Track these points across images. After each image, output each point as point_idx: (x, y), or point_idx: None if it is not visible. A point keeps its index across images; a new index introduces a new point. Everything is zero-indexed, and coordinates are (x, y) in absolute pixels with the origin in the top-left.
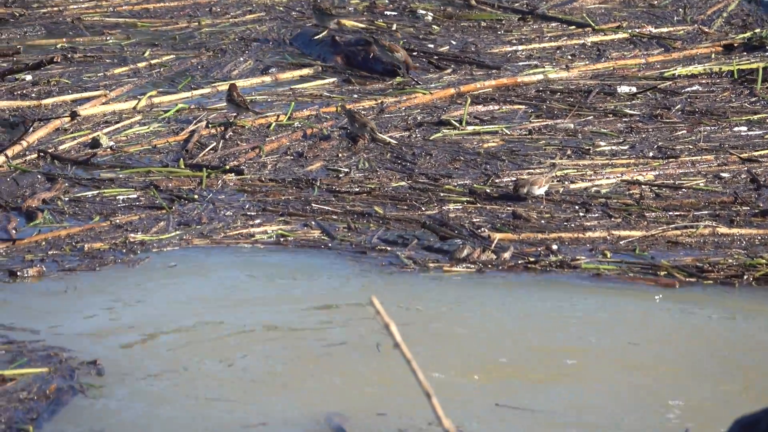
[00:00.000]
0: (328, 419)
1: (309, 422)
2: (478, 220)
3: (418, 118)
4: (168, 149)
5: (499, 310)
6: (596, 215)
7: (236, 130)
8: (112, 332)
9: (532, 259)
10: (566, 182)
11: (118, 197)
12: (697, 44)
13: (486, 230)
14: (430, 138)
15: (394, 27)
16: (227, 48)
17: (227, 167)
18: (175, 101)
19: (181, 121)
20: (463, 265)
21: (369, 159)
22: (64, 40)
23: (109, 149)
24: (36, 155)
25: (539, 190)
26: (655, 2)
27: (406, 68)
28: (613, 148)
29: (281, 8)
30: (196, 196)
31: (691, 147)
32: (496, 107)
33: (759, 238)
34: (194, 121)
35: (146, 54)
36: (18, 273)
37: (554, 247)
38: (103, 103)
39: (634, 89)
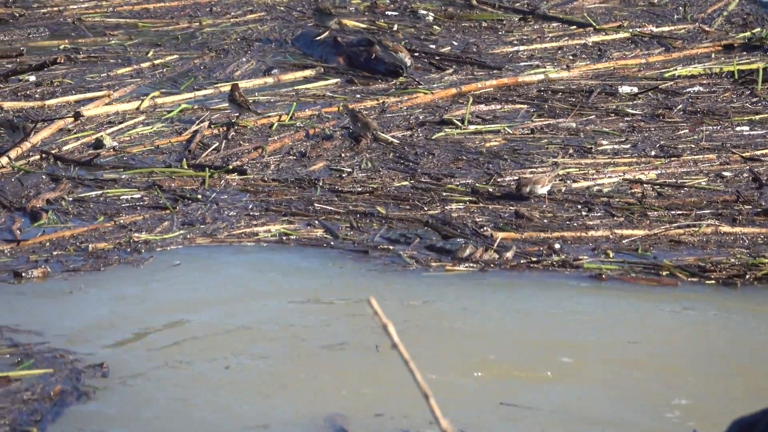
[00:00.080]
0: (329, 420)
1: (309, 423)
2: (480, 219)
3: (420, 118)
4: (171, 149)
5: (499, 310)
6: (599, 214)
7: (239, 131)
8: (116, 333)
9: (534, 259)
10: (568, 181)
11: (122, 197)
12: (697, 43)
13: (488, 229)
14: (433, 137)
15: (396, 27)
16: (229, 48)
17: (230, 167)
18: (178, 102)
19: (184, 122)
20: (466, 265)
21: (371, 159)
22: (67, 41)
23: (112, 150)
24: (39, 156)
25: (542, 190)
26: (655, 1)
27: (407, 67)
28: (616, 147)
29: (282, 8)
30: (199, 196)
31: (693, 146)
32: (498, 107)
33: (761, 237)
34: (197, 122)
35: (149, 54)
36: (23, 274)
37: (557, 246)
38: (107, 104)
39: (635, 89)
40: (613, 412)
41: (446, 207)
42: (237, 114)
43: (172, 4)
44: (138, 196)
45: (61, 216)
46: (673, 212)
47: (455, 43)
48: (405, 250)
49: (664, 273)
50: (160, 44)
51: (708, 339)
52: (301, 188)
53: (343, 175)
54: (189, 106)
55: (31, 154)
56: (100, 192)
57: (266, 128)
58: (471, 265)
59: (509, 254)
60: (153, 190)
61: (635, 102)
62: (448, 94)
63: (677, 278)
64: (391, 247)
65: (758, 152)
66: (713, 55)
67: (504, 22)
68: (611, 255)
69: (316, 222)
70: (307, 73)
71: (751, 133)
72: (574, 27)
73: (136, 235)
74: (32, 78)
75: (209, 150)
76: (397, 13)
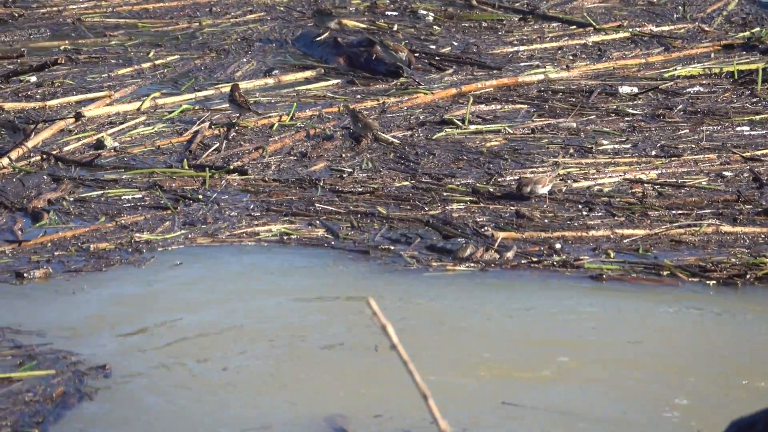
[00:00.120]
0: (329, 421)
1: (309, 423)
2: (481, 219)
3: (421, 118)
4: (172, 150)
5: (500, 310)
6: (599, 214)
7: (239, 131)
8: (118, 334)
9: (535, 259)
10: (569, 181)
11: (123, 198)
12: (697, 43)
13: (489, 229)
14: (433, 137)
15: (396, 27)
16: (230, 48)
17: (231, 167)
18: (179, 102)
19: (185, 122)
20: (466, 264)
21: (372, 159)
22: (67, 41)
23: (113, 150)
24: (40, 157)
25: (543, 189)
26: (655, 0)
27: (409, 66)
28: (616, 147)
29: (282, 8)
30: (200, 197)
31: (693, 146)
32: (498, 107)
33: (762, 236)
34: (198, 122)
35: (150, 54)
36: (25, 274)
37: (557, 246)
38: (108, 104)
39: (635, 89)
40: (613, 412)
41: (447, 207)
42: (238, 114)
43: (171, 4)
44: (139, 196)
45: (63, 216)
46: (673, 212)
47: (455, 44)
48: (406, 250)
49: (665, 273)
50: (160, 44)
51: (708, 339)
52: (301, 188)
53: (344, 176)
54: (190, 106)
55: (32, 154)
56: (101, 192)
57: (267, 129)
58: (472, 265)
59: (510, 254)
60: (154, 191)
61: (635, 102)
62: (449, 94)
63: (678, 278)
64: (392, 247)
65: (759, 152)
66: (713, 55)
67: (504, 22)
68: (612, 255)
69: (317, 222)
70: (308, 73)
71: (752, 133)
72: (574, 27)
73: (138, 235)
74: (33, 79)
75: (210, 150)
76: (397, 13)
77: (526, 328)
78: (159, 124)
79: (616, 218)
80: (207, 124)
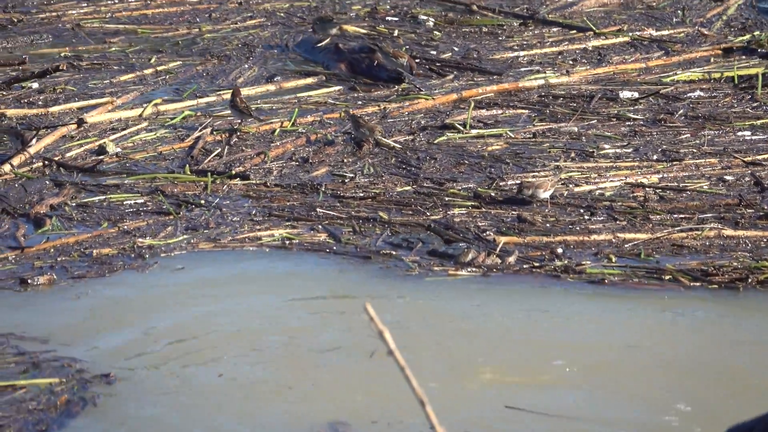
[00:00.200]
0: (331, 428)
1: (309, 430)
2: (483, 223)
3: (422, 123)
4: (173, 156)
5: (502, 314)
6: (601, 218)
7: (241, 137)
8: (122, 341)
9: (536, 264)
10: (571, 185)
11: (125, 203)
12: (696, 47)
13: (491, 234)
14: (434, 142)
15: (396, 33)
16: (231, 54)
17: (233, 172)
18: (181, 109)
19: (187, 128)
20: (468, 269)
21: (374, 164)
22: (68, 48)
23: (115, 156)
24: (42, 163)
25: (545, 194)
26: (654, 4)
27: (410, 72)
28: (617, 151)
29: (282, 14)
30: (202, 202)
31: (694, 151)
32: (500, 111)
33: (764, 240)
34: (199, 128)
35: (152, 61)
36: (29, 281)
37: (559, 250)
38: (110, 111)
39: (636, 94)
40: (616, 416)
41: (448, 212)
42: (239, 120)
43: (170, 9)
44: (141, 201)
45: (65, 222)
46: (675, 216)
47: (456, 49)
48: (407, 255)
49: (667, 277)
50: (161, 51)
51: (710, 343)
52: (303, 193)
53: (346, 181)
54: (192, 113)
55: (34, 161)
56: (104, 197)
57: (268, 134)
58: (473, 269)
59: (512, 259)
60: (156, 196)
61: (636, 107)
62: (449, 99)
63: (680, 282)
64: (394, 252)
65: (760, 157)
66: (712, 59)
67: (504, 27)
68: (613, 259)
69: (319, 227)
70: (309, 80)
71: (753, 137)
72: (574, 31)
73: (140, 240)
74: (35, 85)
75: (212, 156)
76: (397, 19)
77: (527, 333)
78: (161, 130)
79: (617, 222)
80: (209, 129)
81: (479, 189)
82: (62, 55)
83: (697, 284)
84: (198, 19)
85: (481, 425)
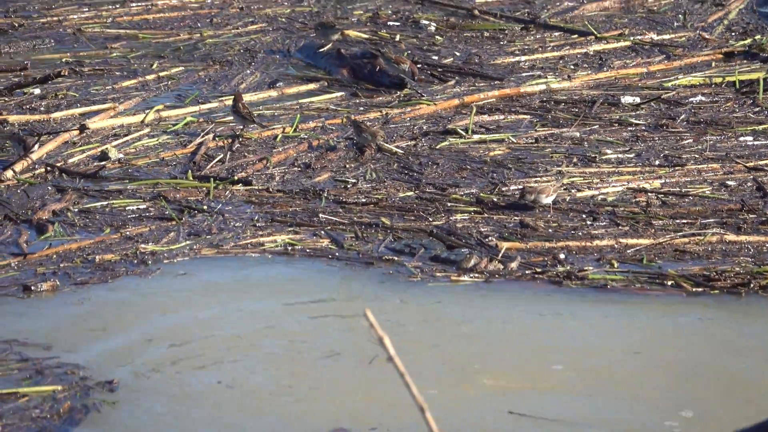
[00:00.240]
0: None
1: None
2: (485, 229)
3: (424, 128)
4: (176, 161)
5: (503, 320)
6: (603, 223)
7: (243, 142)
8: (124, 347)
9: (539, 270)
10: (573, 190)
11: (127, 208)
12: (698, 51)
13: (493, 239)
14: (437, 147)
15: (398, 38)
16: (233, 60)
17: (235, 178)
18: (183, 115)
19: (189, 134)
20: (470, 275)
21: (376, 169)
22: (68, 54)
23: (117, 162)
24: (44, 169)
25: (547, 199)
26: (655, 8)
27: (413, 78)
28: (620, 156)
29: (283, 19)
30: (204, 207)
31: (696, 156)
32: (501, 117)
33: (767, 245)
34: (202, 134)
35: (154, 66)
36: (32, 287)
37: (561, 256)
38: (112, 117)
39: (637, 99)
40: (618, 422)
41: (451, 217)
42: (242, 126)
43: (171, 15)
44: (144, 207)
45: (68, 228)
46: (677, 221)
47: (457, 54)
48: (410, 261)
49: (669, 283)
50: (163, 56)
51: (712, 348)
52: (305, 199)
53: (348, 186)
54: (194, 119)
55: (36, 167)
56: (106, 203)
57: (270, 140)
58: (476, 275)
59: (514, 265)
60: (158, 201)
61: (638, 112)
62: (451, 105)
63: (682, 288)
64: (396, 258)
65: (762, 162)
66: (714, 63)
67: (506, 31)
68: (616, 265)
69: (322, 232)
70: (311, 86)
71: (755, 143)
72: (576, 36)
73: (143, 246)
74: (37, 91)
75: (214, 162)
76: (399, 24)
77: (529, 338)
78: (163, 136)
79: (620, 228)
80: (211, 135)
81: (481, 194)
82: (64, 60)
83: (700, 289)
84: (199, 24)
85: (485, 430)
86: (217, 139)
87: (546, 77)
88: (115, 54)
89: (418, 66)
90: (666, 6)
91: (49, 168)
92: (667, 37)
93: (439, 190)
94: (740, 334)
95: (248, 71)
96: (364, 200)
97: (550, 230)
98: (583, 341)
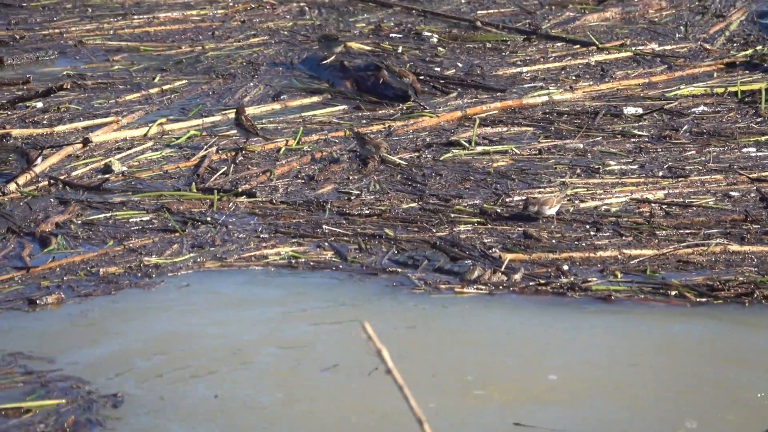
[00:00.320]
0: None
1: None
2: (488, 240)
3: (427, 140)
4: (179, 174)
5: (506, 332)
6: (607, 234)
7: (246, 155)
8: (128, 360)
9: (542, 281)
10: (576, 201)
11: (131, 220)
12: (699, 62)
13: (497, 250)
14: (440, 159)
15: (400, 49)
16: (236, 72)
17: (239, 190)
18: (186, 128)
19: (193, 147)
20: (474, 287)
21: (379, 181)
22: (70, 67)
23: (121, 174)
24: (47, 182)
25: (550, 210)
26: (656, 19)
27: (414, 93)
28: (623, 167)
29: (285, 32)
30: (208, 219)
31: (700, 167)
32: (504, 129)
33: None
34: (205, 147)
35: (156, 80)
36: (38, 301)
37: (565, 267)
38: (115, 130)
39: (640, 110)
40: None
41: (454, 228)
42: (245, 139)
43: (173, 27)
44: (147, 218)
45: (71, 240)
46: (681, 232)
47: (460, 65)
48: (413, 273)
49: (673, 293)
50: (165, 69)
51: (716, 359)
52: (309, 211)
53: (351, 198)
54: (197, 132)
55: (39, 180)
56: (109, 215)
57: (274, 153)
58: (480, 287)
59: (518, 276)
60: (162, 213)
61: (641, 123)
62: (454, 117)
63: (686, 298)
64: (400, 270)
65: (765, 173)
66: (715, 74)
67: (508, 42)
68: (619, 276)
69: (325, 244)
70: (315, 98)
71: (758, 154)
72: (578, 46)
73: (147, 258)
74: (39, 104)
75: (218, 174)
76: (401, 36)
77: (532, 350)
78: (166, 149)
79: (623, 238)
80: (214, 148)
81: (485, 205)
82: (65, 74)
83: (703, 300)
84: (201, 37)
85: None
86: (220, 152)
87: (548, 88)
88: (116, 67)
89: (421, 78)
90: (667, 18)
91: (52, 181)
92: (668, 47)
93: (443, 201)
94: (744, 344)
95: (251, 84)
96: (367, 212)
97: (553, 241)
98: (586, 352)
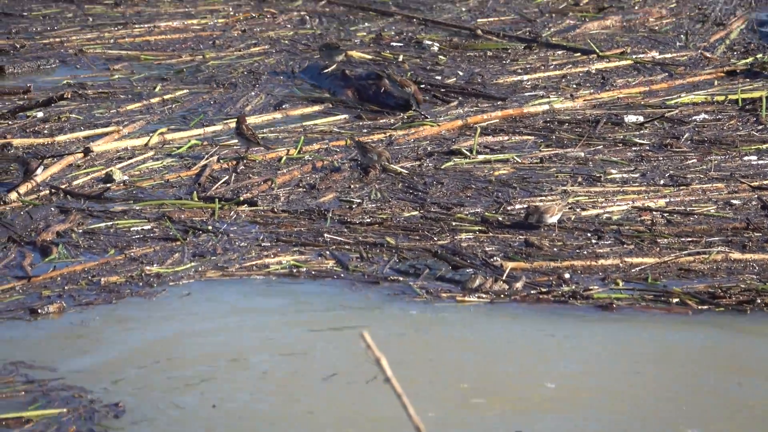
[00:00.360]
0: None
1: None
2: (490, 248)
3: (428, 149)
4: (180, 183)
5: (508, 340)
6: (608, 242)
7: (248, 164)
8: (130, 369)
9: (544, 289)
10: (578, 209)
11: (132, 229)
12: (700, 70)
13: (498, 259)
14: (441, 167)
15: (401, 58)
16: (237, 82)
17: (241, 199)
18: (188, 138)
19: (194, 157)
20: (476, 295)
21: (381, 189)
22: (70, 76)
23: (122, 184)
24: (48, 191)
25: (552, 219)
26: (656, 28)
27: (416, 102)
28: (624, 175)
29: (286, 41)
30: (209, 227)
31: (701, 176)
32: (506, 137)
33: None
34: (206, 156)
35: (157, 89)
36: (39, 310)
37: (566, 276)
38: (116, 140)
39: (641, 118)
40: None
41: (456, 237)
42: (246, 148)
43: (174, 36)
44: (148, 227)
45: (72, 250)
46: (682, 240)
47: (460, 73)
48: (415, 282)
49: (674, 301)
50: (166, 78)
51: (718, 366)
52: (310, 219)
53: (353, 206)
54: (198, 142)
55: (40, 189)
56: (110, 223)
57: (275, 162)
58: (481, 295)
59: (519, 285)
60: (163, 222)
61: (642, 131)
62: (455, 125)
63: (687, 306)
64: (401, 279)
65: (766, 181)
66: (716, 82)
67: (508, 50)
68: (621, 284)
69: (327, 252)
70: (316, 107)
71: (759, 162)
72: (578, 54)
73: (148, 268)
74: (40, 114)
75: (219, 183)
76: (402, 44)
77: (533, 359)
78: (168, 158)
79: (625, 246)
80: (216, 157)
81: (486, 214)
82: (66, 83)
83: (705, 307)
84: (201, 47)
85: None
86: (221, 161)
87: (549, 97)
88: (117, 76)
89: (422, 86)
90: (668, 26)
91: (53, 190)
92: (669, 56)
93: (444, 209)
94: (746, 352)
95: (252, 93)
96: (368, 220)
97: (555, 250)
98: (587, 361)
